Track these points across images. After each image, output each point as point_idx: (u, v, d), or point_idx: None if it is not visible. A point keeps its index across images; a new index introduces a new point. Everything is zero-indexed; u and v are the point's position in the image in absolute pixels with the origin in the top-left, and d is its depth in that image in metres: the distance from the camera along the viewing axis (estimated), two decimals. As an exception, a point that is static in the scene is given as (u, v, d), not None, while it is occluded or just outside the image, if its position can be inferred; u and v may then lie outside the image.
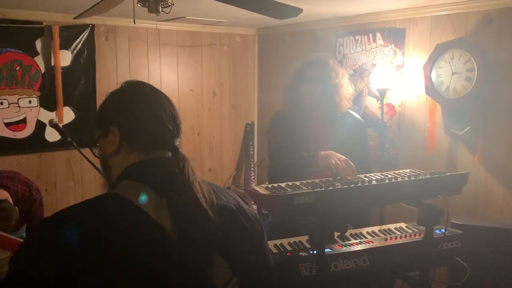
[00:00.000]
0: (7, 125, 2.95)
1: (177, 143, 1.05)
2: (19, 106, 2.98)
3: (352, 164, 1.82)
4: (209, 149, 4.07)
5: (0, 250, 1.51)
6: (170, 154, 1.02)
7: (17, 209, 2.12)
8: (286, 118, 2.17)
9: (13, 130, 2.97)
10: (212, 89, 4.01)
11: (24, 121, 3.01)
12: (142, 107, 1.02)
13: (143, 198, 0.93)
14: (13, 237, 1.43)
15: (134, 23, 2.32)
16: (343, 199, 1.51)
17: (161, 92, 1.08)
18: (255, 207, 3.74)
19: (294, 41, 3.76)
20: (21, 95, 2.97)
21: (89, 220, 0.90)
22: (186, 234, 0.94)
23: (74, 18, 2.31)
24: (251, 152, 4.14)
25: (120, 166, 1.01)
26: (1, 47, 2.85)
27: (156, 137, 1.02)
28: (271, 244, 1.78)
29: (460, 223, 2.05)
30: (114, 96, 1.07)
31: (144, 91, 1.06)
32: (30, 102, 3.02)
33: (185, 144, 3.89)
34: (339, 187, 1.50)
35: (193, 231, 0.95)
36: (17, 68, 2.94)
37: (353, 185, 1.52)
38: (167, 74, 3.69)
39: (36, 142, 3.06)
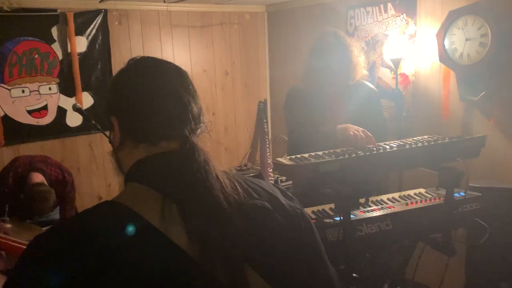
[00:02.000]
0: (30, 112, 3.03)
1: (187, 130, 0.85)
2: (39, 94, 3.05)
3: (370, 134, 1.87)
4: (224, 128, 4.13)
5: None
6: (178, 146, 0.84)
7: (53, 191, 2.21)
8: (302, 93, 2.21)
9: (35, 117, 3.05)
10: (224, 69, 4.04)
11: (45, 108, 3.09)
12: (139, 91, 0.86)
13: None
14: (17, 243, 1.47)
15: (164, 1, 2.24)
16: (366, 166, 1.56)
17: (171, 67, 0.91)
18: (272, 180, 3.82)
19: (303, 16, 3.76)
20: (41, 82, 3.05)
21: (80, 241, 0.73)
22: (208, 250, 0.75)
23: (100, 2, 2.31)
24: (266, 130, 4.19)
25: (127, 162, 0.86)
26: (19, 36, 2.91)
27: (157, 127, 0.84)
28: (295, 213, 1.85)
29: (478, 186, 2.09)
30: (114, 80, 0.91)
31: (146, 69, 0.89)
32: (50, 89, 3.09)
33: (201, 124, 3.95)
34: (362, 154, 1.55)
35: (217, 246, 0.76)
36: (36, 56, 3.00)
37: (375, 152, 1.57)
38: (180, 55, 3.73)
39: (58, 128, 3.14)
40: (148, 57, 0.92)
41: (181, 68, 0.92)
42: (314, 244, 0.93)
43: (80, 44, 3.17)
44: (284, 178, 3.85)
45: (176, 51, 3.71)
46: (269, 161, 3.97)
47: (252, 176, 3.70)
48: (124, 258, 0.72)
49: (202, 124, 0.91)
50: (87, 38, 3.20)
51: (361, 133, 1.85)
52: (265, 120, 4.21)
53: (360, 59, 2.18)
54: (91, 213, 0.80)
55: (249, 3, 3.95)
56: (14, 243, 1.63)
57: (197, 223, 0.76)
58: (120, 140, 0.87)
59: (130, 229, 0.74)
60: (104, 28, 3.26)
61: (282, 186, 3.89)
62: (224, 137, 4.14)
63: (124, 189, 0.83)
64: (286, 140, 2.41)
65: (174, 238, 0.74)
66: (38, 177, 2.35)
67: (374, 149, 1.62)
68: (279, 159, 1.65)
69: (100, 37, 3.25)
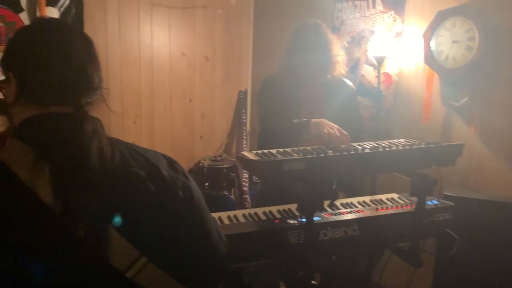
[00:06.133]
0: (-9, 84, 2.85)
1: (85, 100, 0.89)
2: None
3: (346, 133, 1.78)
4: (200, 116, 3.99)
5: None
6: (70, 111, 0.88)
7: None
8: (278, 83, 2.11)
9: (-3, 90, 2.87)
10: (205, 54, 3.89)
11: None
12: (40, 51, 0.87)
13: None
14: None
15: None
16: (334, 167, 1.47)
17: (78, 34, 0.94)
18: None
19: (290, 5, 3.63)
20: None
21: None
22: (71, 207, 0.80)
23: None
24: (244, 121, 4.07)
25: (17, 119, 0.88)
26: (-16, 1, 2.73)
27: (54, 90, 0.87)
28: (259, 211, 1.74)
29: (453, 195, 2.03)
30: (16, 36, 0.92)
31: (51, 31, 0.90)
32: (14, 60, 2.91)
33: (176, 110, 3.82)
34: (331, 154, 1.45)
35: (79, 204, 0.81)
36: (1, 25, 2.81)
37: (345, 153, 1.47)
38: (158, 35, 3.57)
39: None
40: (56, 19, 0.93)
41: (88, 36, 0.94)
42: (192, 211, 0.99)
43: (51, 15, 2.97)
44: (258, 171, 3.75)
45: (155, 31, 3.55)
46: (242, 151, 3.86)
47: (226, 168, 3.62)
48: None
49: (99, 94, 0.93)
50: (59, 10, 3.01)
51: (336, 131, 1.75)
52: (243, 111, 4.09)
53: (339, 57, 2.10)
54: None
55: (236, -12, 3.81)
56: None
57: (63, 183, 0.80)
58: (15, 97, 0.88)
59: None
60: (78, 1, 3.08)
61: (256, 180, 3.79)
62: (200, 124, 4.00)
63: (7, 144, 0.87)
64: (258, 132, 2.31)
65: (40, 193, 0.79)
66: None
67: (345, 149, 1.52)
68: (245, 153, 1.54)
69: (74, 10, 3.07)
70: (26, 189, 0.79)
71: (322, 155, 1.42)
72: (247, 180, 3.74)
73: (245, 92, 4.18)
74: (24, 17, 2.89)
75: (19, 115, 0.88)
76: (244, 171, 3.77)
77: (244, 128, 4.03)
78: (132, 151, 0.96)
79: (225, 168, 3.68)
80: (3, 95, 0.93)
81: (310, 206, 1.36)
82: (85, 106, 0.89)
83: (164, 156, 1.02)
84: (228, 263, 1.28)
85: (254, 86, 4.21)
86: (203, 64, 3.90)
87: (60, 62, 0.88)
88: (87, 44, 0.94)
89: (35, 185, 0.79)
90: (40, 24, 0.96)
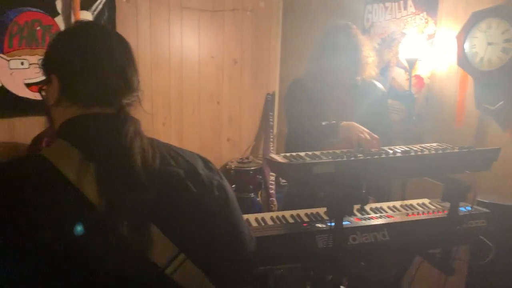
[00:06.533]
0: (28, 85, 2.94)
1: (125, 100, 0.92)
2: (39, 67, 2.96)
3: (376, 136, 1.74)
4: (228, 118, 4.01)
5: None
6: (113, 112, 0.91)
7: None
8: (307, 85, 2.09)
9: (33, 91, 2.96)
10: (233, 57, 3.91)
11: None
12: (84, 54, 0.90)
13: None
14: None
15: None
16: (365, 170, 1.44)
17: (117, 37, 0.96)
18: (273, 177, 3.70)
19: (319, 7, 3.61)
20: (41, 55, 2.94)
21: (2, 188, 0.82)
22: (114, 205, 0.83)
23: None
24: (271, 123, 4.07)
25: (59, 120, 0.91)
26: (22, 6, 2.81)
27: (97, 92, 0.90)
28: (287, 214, 1.74)
29: (487, 201, 1.96)
30: (58, 38, 0.95)
31: (93, 34, 0.94)
32: (50, 63, 3.00)
33: (204, 112, 3.85)
34: (362, 158, 1.43)
35: (123, 202, 0.84)
36: (38, 28, 2.90)
37: (376, 157, 1.45)
38: (188, 39, 3.61)
39: (55, 104, 3.05)
40: (96, 23, 0.99)
41: (125, 39, 0.97)
42: (227, 211, 1.01)
43: (85, 19, 3.06)
44: (285, 174, 3.73)
45: (185, 34, 3.59)
46: (270, 154, 3.85)
47: (253, 170, 3.62)
48: (36, 206, 0.79)
49: (136, 95, 0.96)
50: (92, 14, 3.09)
51: (366, 135, 1.72)
52: (271, 113, 4.09)
53: (370, 59, 2.07)
54: (16, 166, 0.88)
55: (265, -9, 3.82)
56: None
57: (108, 182, 0.83)
58: (57, 98, 0.90)
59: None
60: (110, 5, 3.15)
61: (283, 182, 3.78)
62: (227, 127, 4.02)
63: (52, 144, 0.89)
64: (286, 135, 2.30)
65: (86, 191, 0.81)
66: None
67: (376, 153, 1.49)
68: (273, 155, 1.54)
69: (106, 14, 3.14)
70: (73, 187, 0.81)
71: (353, 158, 1.40)
72: (273, 182, 3.73)
73: (273, 95, 4.18)
74: (59, 21, 2.98)
75: (62, 116, 0.90)
76: (271, 173, 3.76)
77: (271, 130, 4.02)
78: (171, 150, 0.98)
79: (252, 170, 3.68)
80: (43, 97, 0.96)
81: (340, 210, 1.34)
82: (125, 106, 0.92)
83: (199, 156, 1.04)
84: (257, 264, 1.28)
85: (281, 88, 4.20)
86: (231, 66, 3.92)
87: (102, 63, 0.91)
88: (126, 46, 0.97)
89: (82, 184, 0.82)
90: (82, 27, 0.99)
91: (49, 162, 0.83)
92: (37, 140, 2.69)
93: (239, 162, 3.81)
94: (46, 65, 0.95)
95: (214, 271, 0.94)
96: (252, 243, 1.08)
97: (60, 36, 0.96)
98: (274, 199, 3.63)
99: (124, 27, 3.25)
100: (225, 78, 3.90)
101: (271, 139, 3.97)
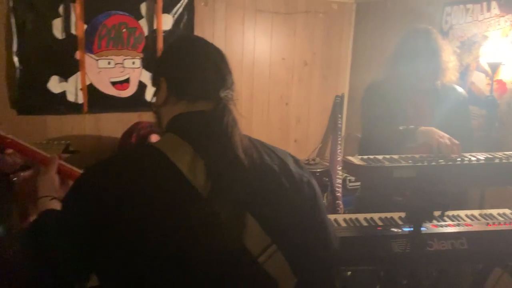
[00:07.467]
0: (113, 84, 3.17)
1: (222, 94, 1.02)
2: (123, 67, 3.17)
3: (457, 142, 1.70)
4: (296, 119, 4.05)
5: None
6: (213, 105, 1.01)
7: None
8: (385, 88, 2.07)
9: (118, 89, 3.18)
10: (304, 59, 3.94)
11: (127, 81, 3.21)
12: (187, 58, 1.04)
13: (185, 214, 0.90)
14: (74, 168, 1.49)
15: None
16: (446, 176, 1.42)
17: (213, 46, 1.09)
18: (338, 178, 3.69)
19: (395, 10, 3.54)
20: (126, 56, 3.16)
21: (124, 172, 0.92)
22: (218, 191, 0.91)
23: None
24: (339, 125, 4.05)
25: (167, 117, 1.03)
26: (111, 10, 3.04)
27: (199, 87, 1.01)
28: (360, 217, 1.74)
29: None
30: (165, 49, 1.13)
31: (193, 43, 1.09)
32: (133, 63, 3.20)
33: (273, 113, 3.92)
34: (444, 163, 1.41)
35: (225, 189, 0.92)
36: (124, 30, 3.11)
37: (459, 162, 1.42)
38: (261, 41, 3.69)
39: (137, 102, 3.25)
40: (197, 36, 1.14)
41: (221, 50, 1.10)
42: (315, 208, 1.06)
43: (166, 22, 3.24)
44: (353, 178, 3.71)
45: (258, 36, 3.68)
46: (338, 159, 3.83)
47: (320, 172, 3.63)
48: (151, 189, 0.89)
49: (231, 94, 1.05)
50: (173, 17, 3.26)
51: (446, 140, 1.69)
52: (339, 116, 4.07)
53: (450, 64, 2.01)
54: (134, 154, 1.01)
55: (338, -7, 3.81)
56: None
57: (215, 170, 0.92)
58: (165, 98, 1.03)
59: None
60: (190, 8, 3.30)
61: (350, 186, 3.75)
62: (295, 128, 4.06)
63: (163, 137, 1.00)
64: (359, 138, 2.29)
65: (195, 182, 0.90)
66: (156, 139, 2.54)
67: (458, 159, 1.47)
68: (350, 157, 1.55)
69: (186, 17, 3.30)
70: (183, 177, 0.90)
71: (434, 163, 1.38)
72: (340, 185, 3.71)
73: (342, 97, 4.16)
74: (143, 24, 3.18)
75: (169, 113, 1.03)
76: (337, 176, 3.75)
77: (339, 133, 4.00)
78: (264, 146, 1.05)
79: (318, 172, 3.69)
80: (154, 100, 1.10)
81: (420, 216, 1.34)
82: (223, 99, 1.02)
83: (289, 154, 1.10)
84: (340, 263, 1.30)
85: (351, 91, 4.17)
86: (301, 68, 3.95)
87: (202, 63, 1.04)
88: (220, 52, 1.09)
89: (192, 175, 0.91)
90: (183, 39, 1.19)
91: (162, 153, 0.93)
92: (127, 134, 2.89)
93: (305, 164, 3.83)
94: (157, 70, 1.09)
95: (300, 265, 0.98)
96: (337, 241, 1.11)
97: (169, 46, 1.13)
98: (340, 202, 3.62)
99: (201, 29, 3.40)
100: (294, 79, 3.95)
101: (339, 142, 3.96)
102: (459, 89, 2.09)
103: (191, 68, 1.03)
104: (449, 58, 2.02)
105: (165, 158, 0.92)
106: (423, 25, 2.08)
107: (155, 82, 1.08)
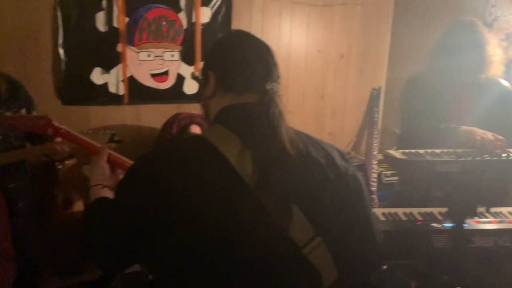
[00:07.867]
0: (153, 76, 3.24)
1: (268, 86, 1.04)
2: (163, 59, 3.24)
3: (501, 137, 1.66)
4: (331, 112, 4.03)
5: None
6: (259, 97, 1.03)
7: None
8: (425, 83, 2.04)
9: (157, 81, 3.25)
10: (340, 51, 3.91)
11: (166, 73, 3.27)
12: (235, 52, 1.07)
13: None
14: (124, 158, 1.53)
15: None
16: (490, 172, 1.40)
17: (259, 40, 1.11)
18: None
19: (436, 1, 3.45)
20: (166, 48, 3.23)
21: (176, 161, 0.95)
22: (264, 182, 0.92)
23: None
24: (375, 119, 4.00)
25: (215, 109, 1.06)
26: (152, 3, 3.10)
27: (246, 80, 1.03)
28: (399, 211, 1.74)
29: None
30: (213, 44, 1.16)
31: (240, 38, 1.12)
32: (172, 56, 3.26)
33: (308, 106, 3.91)
34: (488, 158, 1.39)
35: (272, 180, 0.93)
36: (163, 23, 3.18)
37: (504, 158, 1.40)
38: (297, 33, 3.68)
39: (175, 94, 3.31)
40: (245, 31, 1.14)
41: (268, 44, 1.12)
42: (360, 202, 1.06)
43: (205, 14, 3.28)
44: (388, 172, 3.66)
45: (294, 28, 3.67)
46: (374, 153, 3.79)
47: (355, 166, 3.61)
48: (200, 178, 0.92)
49: (277, 87, 1.07)
50: (211, 9, 3.30)
51: (489, 136, 1.65)
52: (376, 109, 4.02)
53: (496, 57, 1.96)
54: (184, 144, 1.05)
55: (376, -16, 3.75)
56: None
57: (262, 161, 0.93)
58: (213, 91, 1.07)
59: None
60: (228, 1, 3.33)
61: (386, 180, 3.71)
62: (330, 121, 4.04)
63: (211, 128, 1.04)
64: (396, 133, 2.26)
65: (240, 169, 0.92)
66: (196, 129, 2.69)
67: (504, 155, 1.44)
68: (390, 151, 1.55)
69: (223, 9, 3.33)
70: (231, 167, 0.93)
71: (478, 158, 1.37)
72: (375, 179, 3.68)
73: (379, 90, 4.10)
74: (182, 16, 3.23)
75: (217, 105, 1.06)
76: (373, 170, 3.72)
77: (375, 126, 3.96)
78: (309, 139, 1.07)
79: (354, 165, 3.66)
80: (202, 91, 1.13)
81: (463, 211, 1.32)
82: (269, 91, 1.03)
83: (335, 147, 1.11)
84: (384, 258, 1.31)
85: (388, 84, 4.10)
86: (337, 61, 3.92)
87: (249, 57, 1.06)
88: (266, 46, 1.11)
89: (240, 166, 0.93)
90: (231, 34, 1.23)
91: (211, 144, 0.96)
92: (167, 125, 2.96)
93: (340, 157, 3.81)
94: (206, 64, 1.13)
95: (342, 259, 0.99)
96: (381, 236, 1.11)
97: (218, 40, 1.17)
98: (375, 196, 3.59)
99: (239, 22, 3.42)
100: (330, 72, 3.92)
101: (375, 135, 3.91)
102: (504, 83, 2.04)
103: (238, 62, 1.05)
104: (495, 51, 1.97)
105: (214, 149, 0.94)
106: (468, 18, 2.03)
107: (204, 76, 1.11)
